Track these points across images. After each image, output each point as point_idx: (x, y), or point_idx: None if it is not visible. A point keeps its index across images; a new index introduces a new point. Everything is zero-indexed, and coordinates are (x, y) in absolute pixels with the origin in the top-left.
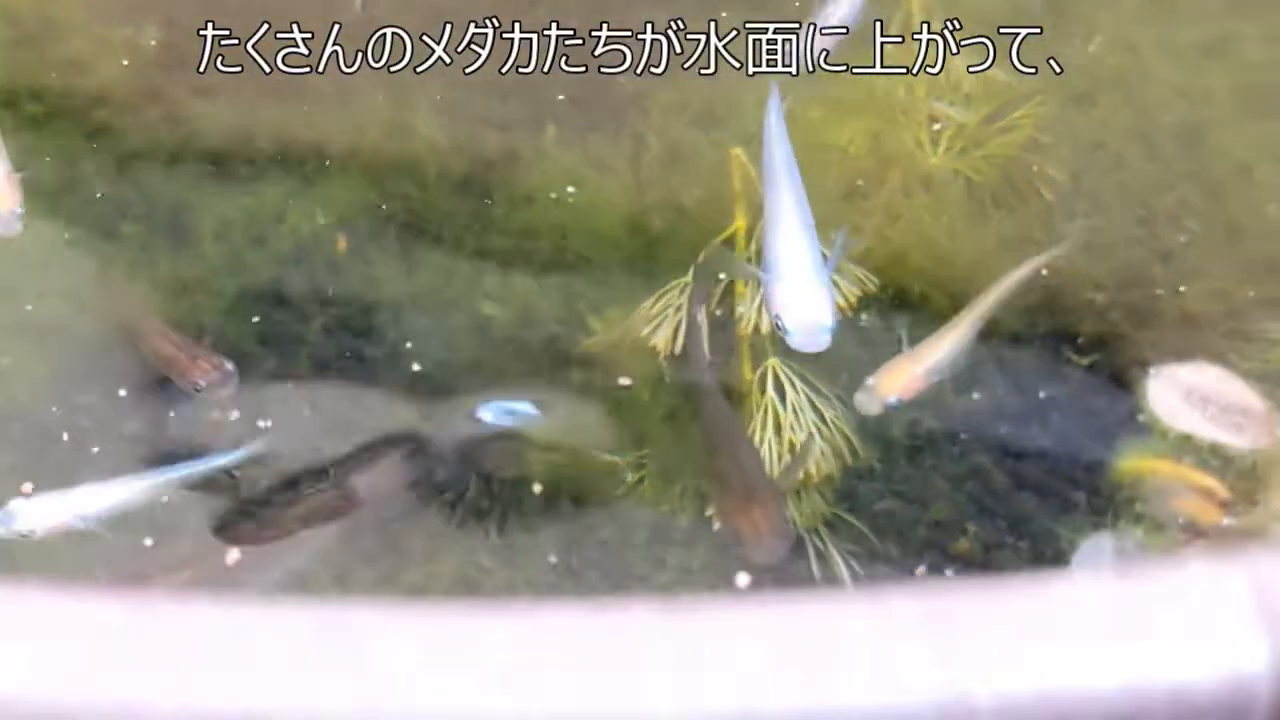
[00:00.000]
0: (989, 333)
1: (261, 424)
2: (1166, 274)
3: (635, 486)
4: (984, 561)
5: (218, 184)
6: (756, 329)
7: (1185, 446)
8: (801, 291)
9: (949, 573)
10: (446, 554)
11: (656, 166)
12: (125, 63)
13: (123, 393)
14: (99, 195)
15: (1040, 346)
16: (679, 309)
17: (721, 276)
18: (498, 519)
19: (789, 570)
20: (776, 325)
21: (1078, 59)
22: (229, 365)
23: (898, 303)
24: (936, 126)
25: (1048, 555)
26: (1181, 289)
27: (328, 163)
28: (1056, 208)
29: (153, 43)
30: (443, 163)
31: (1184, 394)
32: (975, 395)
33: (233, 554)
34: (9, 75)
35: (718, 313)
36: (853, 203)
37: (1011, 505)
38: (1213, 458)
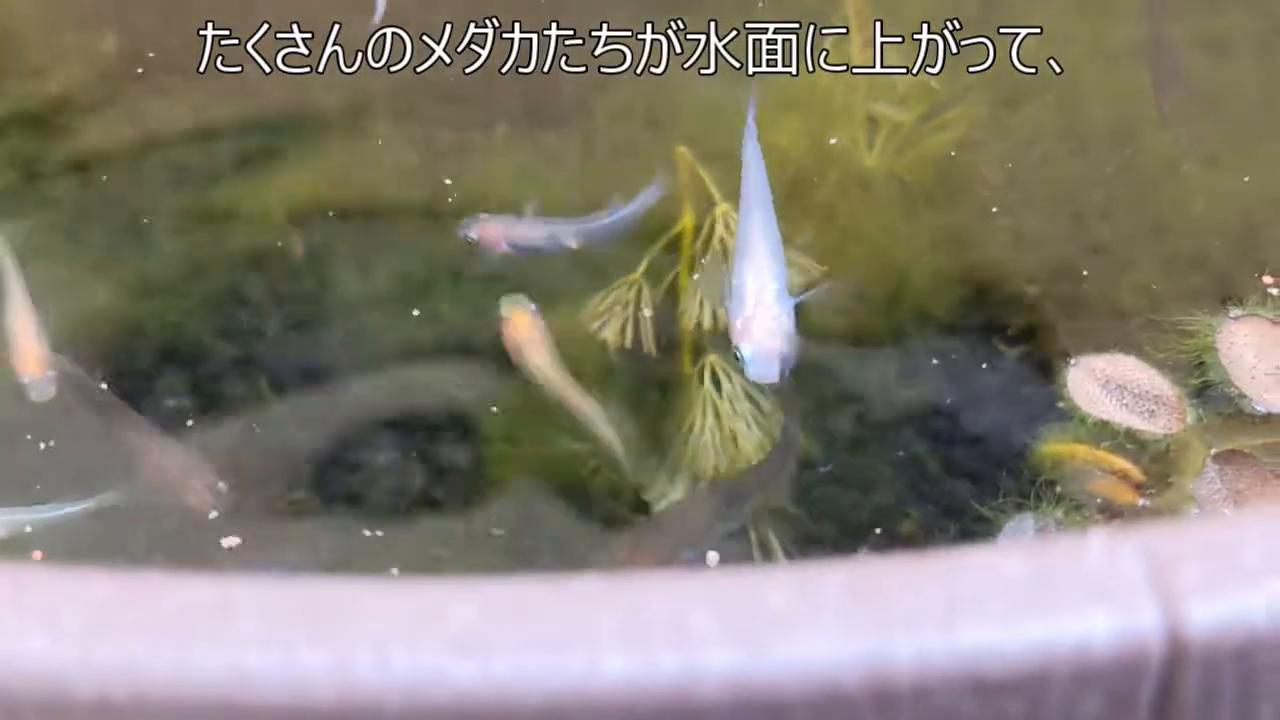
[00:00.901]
0: (924, 325)
1: None
2: (1095, 267)
3: (591, 476)
4: (924, 545)
5: (177, 186)
6: (699, 324)
7: (1103, 432)
8: (760, 325)
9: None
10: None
11: (604, 164)
12: (83, 68)
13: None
14: (59, 197)
15: (975, 338)
16: (626, 305)
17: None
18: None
19: (730, 555)
20: (735, 353)
21: (1010, 60)
22: (218, 481)
23: (840, 291)
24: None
25: (979, 537)
26: (1105, 283)
27: (284, 165)
28: (989, 204)
29: (110, 49)
30: (396, 160)
31: (1101, 382)
32: (912, 386)
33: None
34: None
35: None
36: (792, 201)
37: (945, 490)
38: (1129, 442)
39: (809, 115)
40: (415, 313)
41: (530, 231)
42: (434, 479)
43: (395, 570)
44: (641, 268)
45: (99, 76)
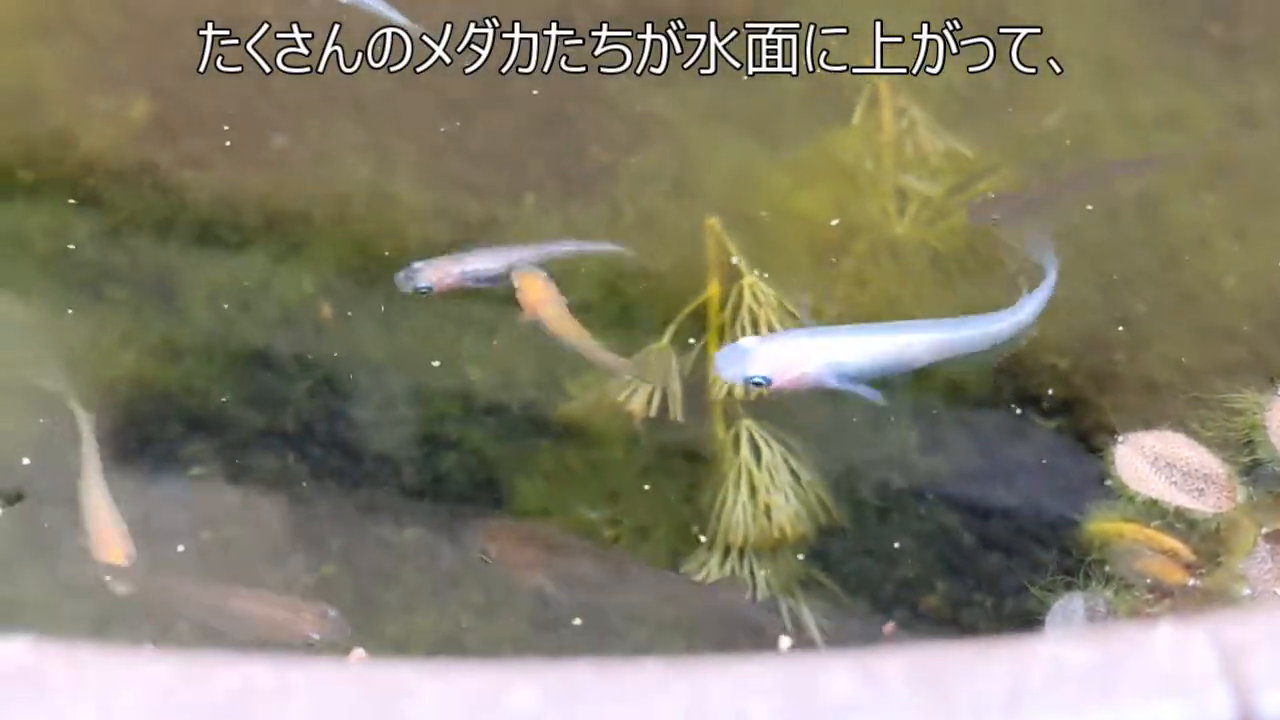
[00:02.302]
0: (953, 395)
1: None
2: (1125, 340)
3: (611, 543)
4: (953, 619)
5: (206, 251)
6: (729, 392)
7: (1152, 511)
8: (770, 343)
9: (919, 629)
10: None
11: (631, 234)
12: (113, 133)
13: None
14: (88, 262)
15: (1004, 409)
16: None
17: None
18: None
19: (762, 626)
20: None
21: (1036, 131)
22: (330, 610)
23: None
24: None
25: (1015, 612)
26: (1140, 355)
27: (312, 230)
28: (1019, 275)
29: (140, 114)
30: (424, 228)
31: (1150, 460)
32: (941, 457)
33: None
34: (2, 143)
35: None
36: (822, 269)
37: (979, 564)
38: (1178, 521)
39: (838, 185)
40: (442, 378)
41: (479, 263)
42: (461, 550)
43: (419, 642)
44: (668, 336)
45: (130, 141)
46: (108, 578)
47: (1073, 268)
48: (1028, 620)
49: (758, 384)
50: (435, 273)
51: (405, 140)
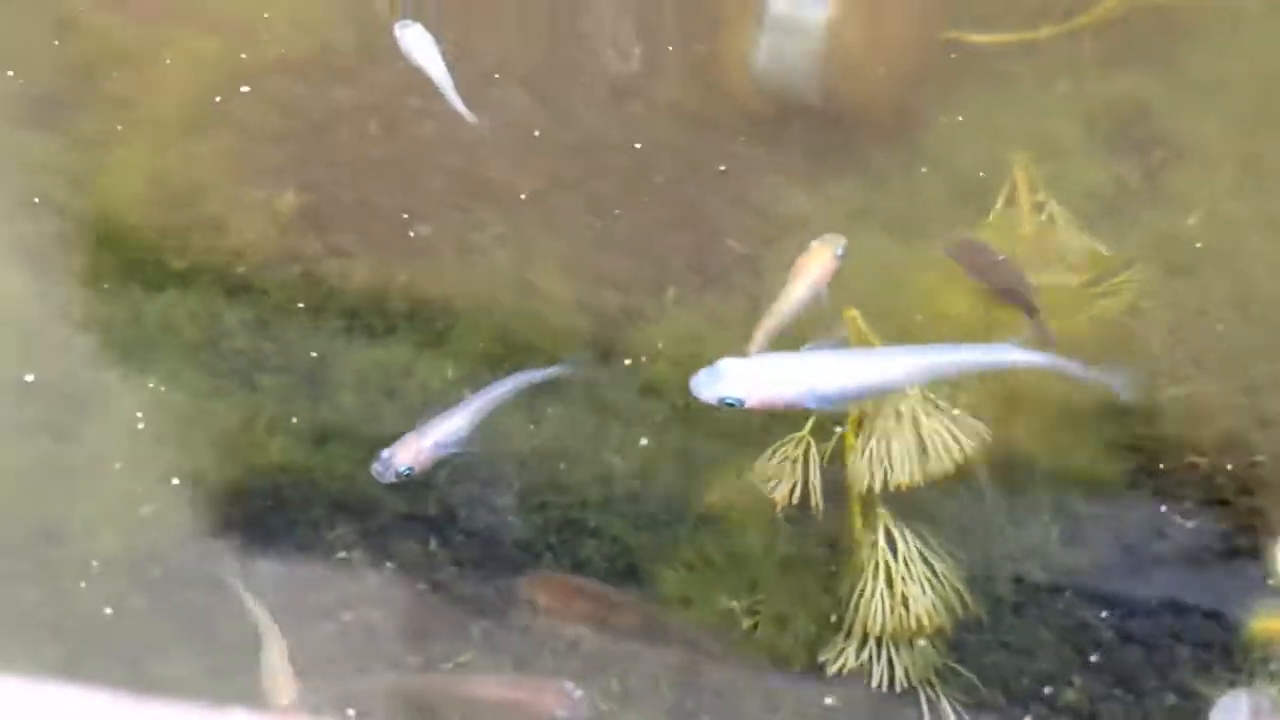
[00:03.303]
0: (1093, 490)
1: None
2: (1267, 442)
3: (750, 632)
4: (1091, 713)
5: (352, 339)
6: (869, 483)
7: None
8: (746, 365)
9: None
10: None
11: None
12: (263, 223)
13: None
14: (239, 349)
15: (1144, 506)
16: (795, 463)
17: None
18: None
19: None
20: None
21: (1177, 230)
22: (569, 685)
23: (1005, 459)
24: None
25: (1156, 708)
26: None
27: (455, 319)
28: (1158, 372)
29: (289, 205)
30: (568, 321)
31: None
32: (1080, 551)
33: None
34: (156, 232)
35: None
36: None
37: (1118, 659)
38: None
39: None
40: (583, 466)
41: (444, 429)
42: (601, 635)
43: None
44: (808, 426)
45: (279, 233)
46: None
47: (1212, 368)
48: (1174, 716)
49: (730, 404)
50: (407, 453)
51: (548, 233)
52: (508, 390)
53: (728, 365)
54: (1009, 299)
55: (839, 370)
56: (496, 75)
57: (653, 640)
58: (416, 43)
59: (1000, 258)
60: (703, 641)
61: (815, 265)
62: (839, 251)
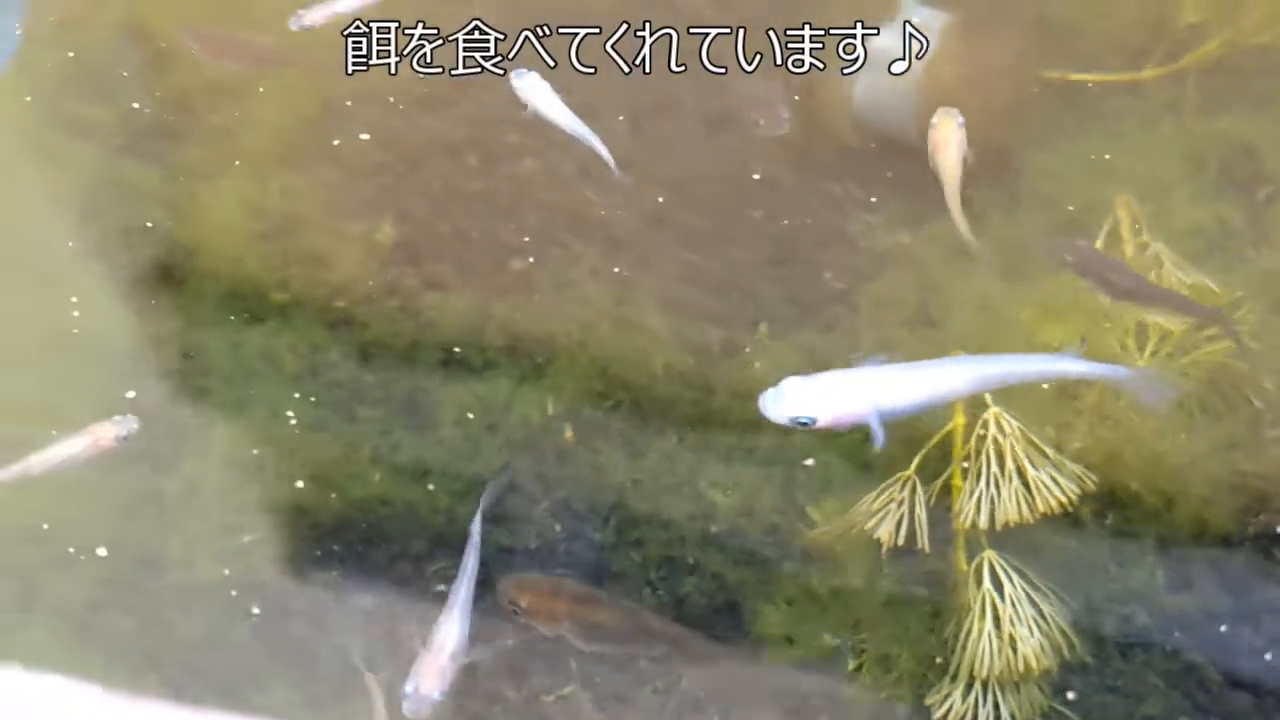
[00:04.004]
0: (1199, 533)
1: None
2: None
3: (855, 672)
4: None
5: (451, 373)
6: (973, 523)
7: None
8: (814, 383)
9: None
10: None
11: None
12: (362, 256)
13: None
14: (340, 381)
15: (1252, 549)
16: (900, 503)
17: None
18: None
19: None
20: None
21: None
22: None
23: (1111, 500)
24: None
25: None
26: None
27: (555, 353)
28: (1266, 415)
29: (387, 238)
30: (667, 356)
31: None
32: (1188, 595)
33: None
34: (257, 266)
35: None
36: (1063, 402)
37: (1226, 703)
38: None
39: (1078, 320)
40: (683, 502)
41: (450, 642)
42: (698, 672)
43: None
44: (914, 465)
45: (378, 265)
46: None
47: None
48: None
49: (803, 424)
50: (431, 678)
51: (645, 268)
52: (473, 563)
53: (794, 385)
54: (1135, 299)
55: (904, 383)
56: (593, 107)
57: (638, 638)
58: (535, 91)
59: (1117, 259)
60: (690, 641)
61: (949, 133)
62: (959, 119)
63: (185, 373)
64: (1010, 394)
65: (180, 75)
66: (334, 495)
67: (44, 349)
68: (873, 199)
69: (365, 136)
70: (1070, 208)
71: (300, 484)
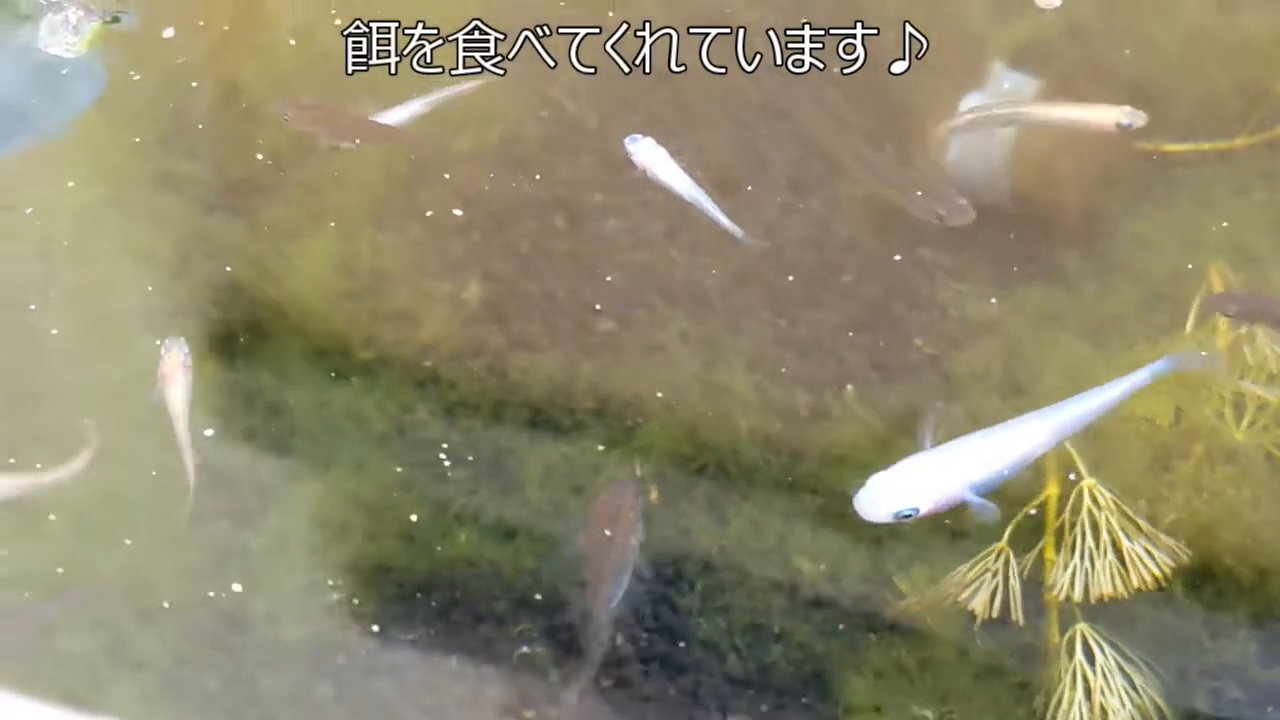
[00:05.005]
0: None
1: None
2: None
3: None
4: None
5: (539, 433)
6: (1067, 595)
7: None
8: (903, 473)
9: None
10: None
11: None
12: (448, 315)
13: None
14: (429, 439)
15: None
16: (994, 574)
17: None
18: None
19: None
20: None
21: None
22: None
23: (1206, 574)
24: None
25: None
26: None
27: (642, 415)
28: None
29: (473, 297)
30: (754, 419)
31: None
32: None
33: None
34: (345, 323)
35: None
36: (1156, 474)
37: None
38: None
39: (1174, 389)
40: (770, 568)
41: None
42: None
43: None
44: (1006, 536)
45: (463, 324)
46: None
47: None
48: None
49: (906, 516)
50: None
51: (733, 331)
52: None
53: (884, 481)
54: None
55: (990, 453)
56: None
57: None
58: (652, 158)
59: (1264, 295)
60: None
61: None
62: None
63: (271, 430)
64: (1104, 466)
65: (270, 132)
66: (419, 554)
67: (119, 397)
68: (964, 264)
69: (451, 195)
70: (1162, 275)
71: (386, 541)
